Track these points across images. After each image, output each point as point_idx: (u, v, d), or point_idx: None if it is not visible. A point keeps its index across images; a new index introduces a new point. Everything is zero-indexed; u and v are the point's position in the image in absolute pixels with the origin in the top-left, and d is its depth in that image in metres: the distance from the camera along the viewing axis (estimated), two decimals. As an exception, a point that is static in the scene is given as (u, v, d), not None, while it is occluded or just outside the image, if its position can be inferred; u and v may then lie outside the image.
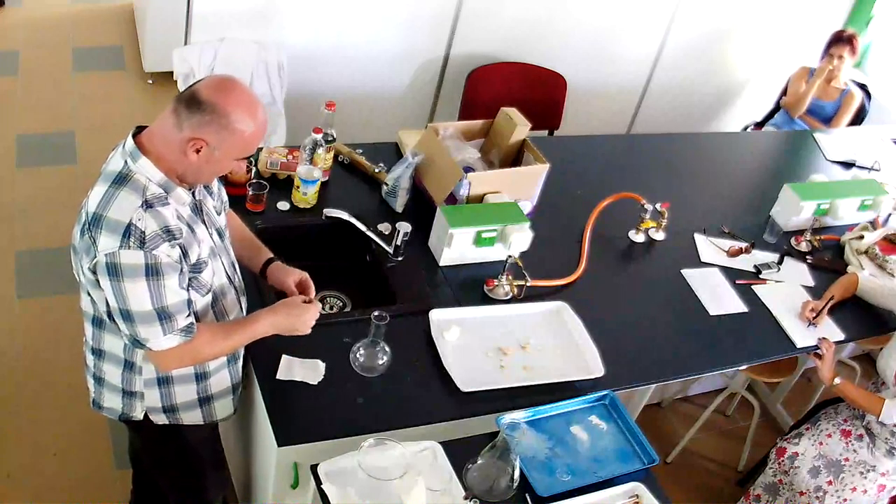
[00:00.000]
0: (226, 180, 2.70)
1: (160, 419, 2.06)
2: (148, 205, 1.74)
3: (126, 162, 1.78)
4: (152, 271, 1.73)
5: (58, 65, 4.77)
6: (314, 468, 1.98)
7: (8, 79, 4.58)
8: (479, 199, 2.79)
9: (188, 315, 1.83)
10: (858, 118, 4.36)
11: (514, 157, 2.99)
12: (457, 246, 2.64)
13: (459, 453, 2.06)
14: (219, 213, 2.02)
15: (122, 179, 1.76)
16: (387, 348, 2.24)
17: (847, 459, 2.78)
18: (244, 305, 2.12)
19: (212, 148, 1.75)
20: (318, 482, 1.95)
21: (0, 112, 4.35)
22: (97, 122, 4.41)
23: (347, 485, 1.93)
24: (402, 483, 1.93)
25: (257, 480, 2.45)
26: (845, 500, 2.74)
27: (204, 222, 1.91)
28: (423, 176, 2.87)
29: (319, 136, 2.73)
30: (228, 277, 2.02)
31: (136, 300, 1.74)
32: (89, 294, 1.87)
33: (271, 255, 2.22)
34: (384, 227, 2.73)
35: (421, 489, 1.93)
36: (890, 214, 3.38)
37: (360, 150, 2.99)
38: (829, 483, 2.76)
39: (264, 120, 1.81)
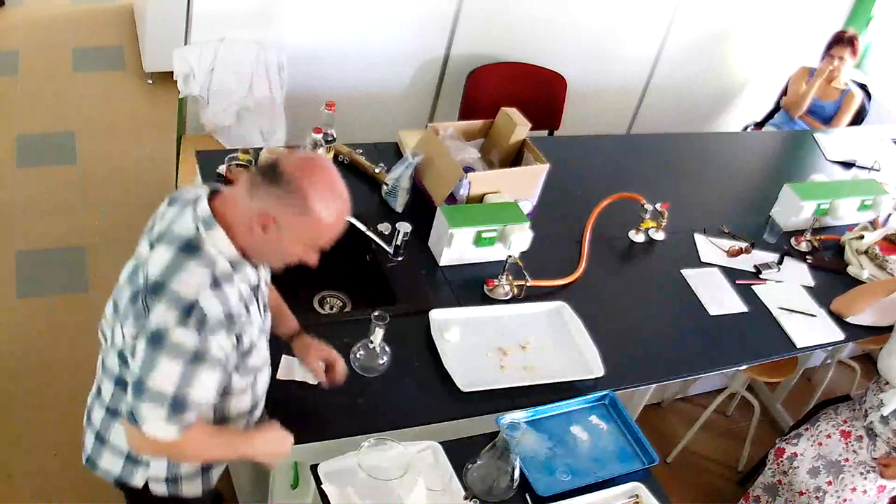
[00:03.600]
0: (226, 180, 2.71)
1: (159, 489, 1.93)
2: (216, 283, 1.60)
3: (198, 228, 1.63)
4: (196, 358, 1.59)
5: (58, 65, 4.77)
6: (314, 468, 1.98)
7: (8, 79, 4.58)
8: (479, 199, 2.79)
9: (196, 415, 1.67)
10: (858, 118, 4.36)
11: (514, 157, 2.99)
12: (457, 246, 2.64)
13: (459, 453, 2.06)
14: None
15: (192, 249, 1.61)
16: (387, 348, 2.24)
17: (847, 460, 2.78)
18: (267, 380, 1.97)
19: (279, 227, 1.59)
20: (318, 482, 1.95)
21: (0, 112, 4.35)
22: (97, 122, 4.41)
23: (347, 485, 1.93)
24: (402, 483, 1.93)
25: (257, 480, 2.45)
26: (845, 500, 2.74)
27: (258, 300, 1.78)
28: (423, 176, 2.87)
29: (319, 136, 2.73)
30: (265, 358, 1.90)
31: (161, 377, 1.59)
32: (119, 355, 1.73)
33: (299, 328, 2.10)
34: (384, 227, 2.73)
35: (421, 489, 1.93)
36: (890, 214, 3.38)
37: (360, 150, 2.99)
38: (829, 483, 2.76)
39: (345, 210, 1.64)
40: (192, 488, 1.97)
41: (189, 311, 1.57)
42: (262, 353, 1.85)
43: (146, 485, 1.92)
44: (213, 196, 1.68)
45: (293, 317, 2.11)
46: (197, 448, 1.75)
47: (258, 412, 1.97)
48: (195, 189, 1.73)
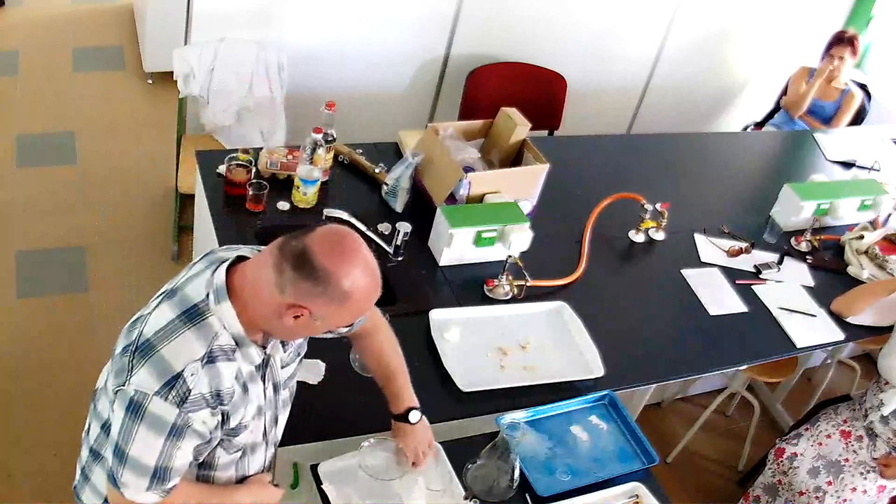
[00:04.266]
0: (226, 180, 2.71)
1: None
2: (210, 359, 1.52)
3: (208, 296, 1.54)
4: (176, 433, 1.51)
5: (58, 65, 4.77)
6: (314, 468, 1.98)
7: (8, 79, 4.58)
8: (479, 199, 2.79)
9: (179, 478, 1.61)
10: (858, 118, 4.36)
11: (514, 157, 2.99)
12: (457, 246, 2.64)
13: (459, 453, 2.06)
14: (285, 366, 1.76)
15: (194, 315, 1.53)
16: (387, 348, 2.24)
17: (847, 460, 2.78)
18: (269, 457, 1.89)
19: (315, 318, 1.52)
20: (318, 482, 1.95)
21: (0, 112, 4.35)
22: (97, 122, 4.41)
23: (347, 485, 1.94)
24: (402, 483, 1.93)
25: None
26: (845, 500, 2.74)
27: (263, 377, 1.68)
28: (423, 176, 2.86)
29: (319, 136, 2.73)
30: (265, 433, 1.79)
31: (141, 450, 1.52)
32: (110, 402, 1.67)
33: (411, 407, 1.95)
34: (384, 227, 2.73)
35: (421, 489, 1.93)
36: (890, 214, 3.38)
37: (360, 150, 2.99)
38: (829, 483, 2.76)
39: (378, 284, 1.58)
40: None
41: (171, 383, 1.49)
42: (256, 433, 1.75)
43: None
44: (235, 263, 1.59)
45: (409, 396, 1.96)
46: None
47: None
48: (234, 249, 1.66)
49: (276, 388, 1.74)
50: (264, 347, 1.64)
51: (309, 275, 1.47)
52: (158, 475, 1.56)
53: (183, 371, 1.50)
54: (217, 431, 1.61)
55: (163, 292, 1.63)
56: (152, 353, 1.51)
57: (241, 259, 1.61)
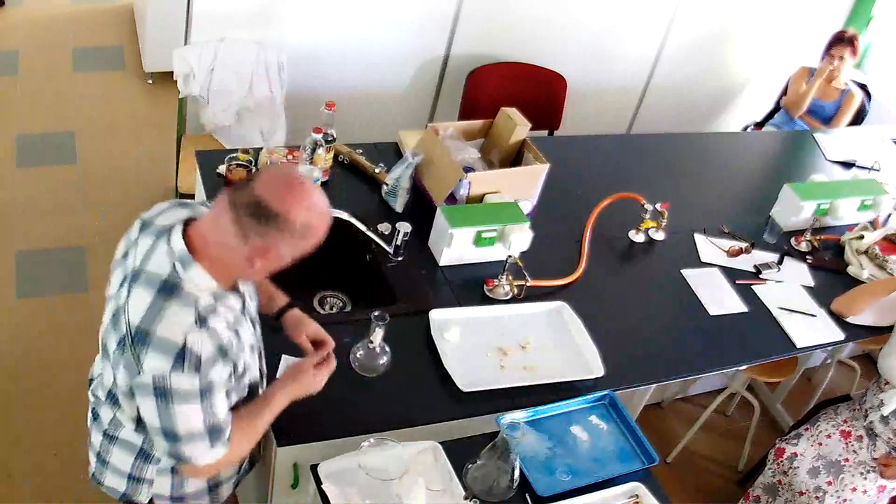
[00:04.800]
0: (226, 180, 2.71)
1: None
2: (202, 321, 1.60)
3: (174, 266, 1.61)
4: (206, 394, 1.61)
5: (58, 65, 4.77)
6: (314, 468, 1.98)
7: (8, 79, 4.58)
8: (479, 199, 2.79)
9: (230, 425, 1.72)
10: (858, 118, 4.36)
11: (514, 157, 2.99)
12: (457, 246, 2.64)
13: (459, 453, 2.06)
14: (252, 300, 1.87)
15: (170, 289, 1.59)
16: (387, 348, 2.24)
17: (847, 460, 2.78)
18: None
19: (283, 254, 1.62)
20: (318, 482, 1.95)
21: (0, 112, 4.35)
22: (97, 122, 4.41)
23: (347, 485, 1.94)
24: (402, 483, 1.93)
25: (257, 480, 2.45)
26: (845, 500, 2.74)
27: (245, 318, 1.79)
28: (423, 176, 2.87)
29: (319, 136, 2.73)
30: (259, 370, 1.92)
31: (187, 422, 1.62)
32: (109, 396, 1.78)
33: (287, 302, 2.08)
34: (384, 227, 2.73)
35: (421, 489, 1.93)
36: (890, 214, 3.38)
37: (360, 150, 2.99)
38: (829, 483, 2.76)
39: (328, 212, 1.68)
40: None
41: (181, 357, 1.56)
42: (253, 371, 1.85)
43: (151, 501, 1.94)
44: (187, 225, 1.65)
45: (281, 293, 2.09)
46: (244, 441, 1.79)
47: None
48: (168, 213, 1.72)
49: (254, 324, 1.85)
50: (237, 291, 1.74)
51: (268, 221, 1.56)
52: (213, 433, 1.66)
53: (186, 342, 1.57)
54: (231, 380, 1.70)
55: (123, 279, 1.67)
56: (150, 338, 1.56)
57: (189, 221, 1.67)
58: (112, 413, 1.84)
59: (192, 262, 1.61)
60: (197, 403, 1.61)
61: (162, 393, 1.58)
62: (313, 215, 1.61)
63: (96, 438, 1.92)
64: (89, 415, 1.97)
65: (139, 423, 1.75)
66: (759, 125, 4.48)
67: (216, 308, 1.64)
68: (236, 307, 1.72)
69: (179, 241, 1.61)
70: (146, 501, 1.95)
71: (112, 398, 1.79)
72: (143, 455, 1.87)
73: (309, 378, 1.92)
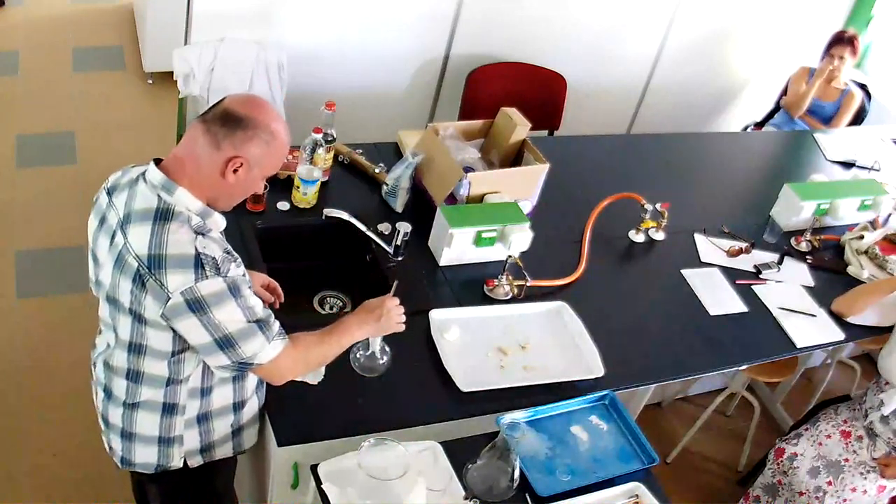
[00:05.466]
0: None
1: (195, 461, 2.02)
2: (201, 233, 1.69)
3: (160, 196, 1.70)
4: (235, 291, 1.70)
5: (58, 65, 4.78)
6: (314, 468, 1.98)
7: (8, 79, 4.59)
8: (479, 199, 2.79)
9: (274, 319, 1.81)
10: (858, 118, 4.36)
11: (514, 157, 2.99)
12: (457, 246, 2.64)
13: (459, 453, 2.06)
14: None
15: (164, 214, 1.68)
16: (387, 348, 2.24)
17: (847, 460, 2.78)
18: None
19: (252, 165, 1.71)
20: (318, 482, 1.95)
21: (0, 112, 4.35)
22: (97, 122, 4.41)
23: (347, 485, 1.93)
24: (402, 483, 1.93)
25: (257, 480, 2.45)
26: (845, 500, 2.74)
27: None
28: (423, 176, 2.87)
29: (319, 136, 2.73)
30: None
31: (232, 322, 1.70)
32: (129, 349, 1.80)
33: None
34: (384, 227, 2.73)
35: (421, 489, 1.93)
36: (890, 214, 3.38)
37: (360, 150, 2.99)
38: (829, 483, 2.76)
39: (286, 123, 1.79)
40: (224, 450, 2.06)
41: (199, 265, 1.64)
42: (255, 287, 1.95)
43: (185, 464, 2.00)
44: (158, 162, 1.74)
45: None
46: (317, 347, 1.90)
47: None
48: (130, 170, 1.80)
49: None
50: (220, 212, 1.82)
51: (237, 125, 1.67)
52: (261, 325, 1.75)
53: (197, 250, 1.65)
54: (248, 279, 1.78)
55: (112, 231, 1.73)
56: (164, 260, 1.65)
57: (158, 160, 1.75)
58: (126, 383, 1.87)
59: (174, 185, 1.69)
60: (232, 301, 1.69)
61: (197, 305, 1.66)
62: (280, 125, 1.73)
63: (115, 416, 1.94)
64: (100, 398, 1.98)
65: (174, 355, 1.79)
66: (759, 125, 4.48)
67: (206, 226, 1.73)
68: (222, 226, 1.80)
69: (157, 172, 1.70)
70: (180, 464, 1.99)
71: (132, 350, 1.80)
72: (168, 409, 1.90)
73: (390, 316, 2.00)
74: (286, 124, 1.76)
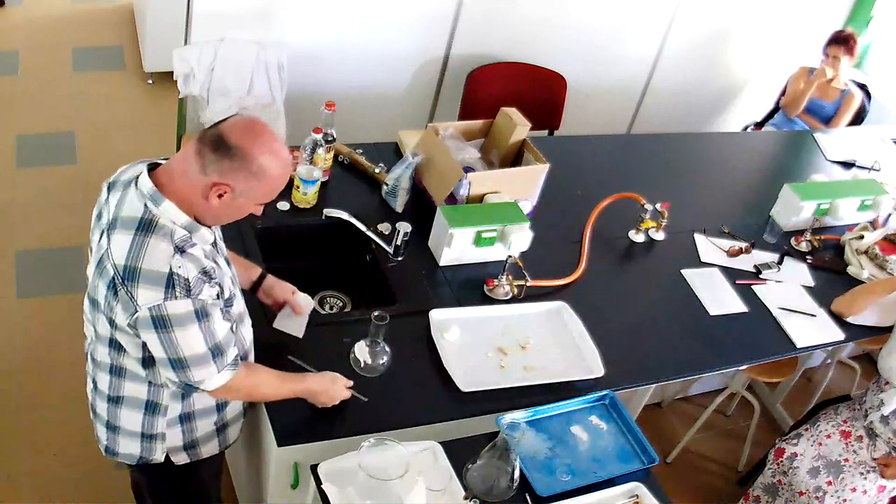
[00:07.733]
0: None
1: (181, 458, 2.04)
2: (180, 250, 1.68)
3: (146, 206, 1.69)
4: (202, 314, 1.70)
5: (58, 65, 4.77)
6: (314, 468, 1.98)
7: (8, 79, 4.59)
8: (479, 199, 2.79)
9: (234, 345, 1.83)
10: (858, 118, 4.36)
11: (514, 157, 2.99)
12: (457, 246, 2.64)
13: (459, 453, 2.06)
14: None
15: (146, 226, 1.67)
16: (387, 348, 2.24)
17: (847, 460, 2.78)
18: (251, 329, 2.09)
19: (236, 194, 1.69)
20: (318, 482, 1.95)
21: (0, 112, 4.35)
22: (97, 122, 4.41)
23: (347, 485, 1.93)
24: (402, 483, 1.93)
25: (257, 480, 2.45)
26: (845, 500, 2.74)
27: (219, 253, 1.87)
28: (423, 176, 2.87)
29: (319, 136, 2.73)
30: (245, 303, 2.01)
31: (189, 346, 1.71)
32: (110, 345, 1.82)
33: (262, 270, 2.20)
34: (384, 227, 2.73)
35: (421, 489, 1.93)
36: (890, 214, 3.38)
37: (360, 150, 2.99)
38: (829, 483, 2.76)
39: (289, 164, 1.75)
40: (210, 448, 2.07)
41: (170, 283, 1.65)
42: (240, 302, 1.95)
43: (167, 459, 2.01)
44: (153, 169, 1.74)
45: (252, 263, 2.21)
46: (255, 388, 1.95)
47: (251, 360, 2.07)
48: (132, 167, 1.80)
49: (228, 263, 1.93)
50: (208, 227, 1.80)
51: (226, 154, 1.65)
52: (215, 353, 1.76)
53: (171, 269, 1.65)
54: (220, 300, 1.78)
55: (102, 231, 1.74)
56: (138, 272, 1.65)
57: (154, 166, 1.75)
58: (109, 377, 1.89)
59: (161, 197, 1.69)
60: (195, 325, 1.70)
61: (161, 323, 1.67)
62: (273, 160, 1.69)
63: (101, 407, 1.97)
64: (90, 387, 2.00)
65: (145, 362, 1.81)
66: (759, 125, 4.48)
67: (191, 240, 1.72)
68: (209, 239, 1.79)
69: (147, 181, 1.70)
70: (163, 459, 2.01)
71: (113, 346, 1.82)
72: (151, 408, 1.92)
73: (336, 387, 2.06)
74: (283, 154, 1.71)
